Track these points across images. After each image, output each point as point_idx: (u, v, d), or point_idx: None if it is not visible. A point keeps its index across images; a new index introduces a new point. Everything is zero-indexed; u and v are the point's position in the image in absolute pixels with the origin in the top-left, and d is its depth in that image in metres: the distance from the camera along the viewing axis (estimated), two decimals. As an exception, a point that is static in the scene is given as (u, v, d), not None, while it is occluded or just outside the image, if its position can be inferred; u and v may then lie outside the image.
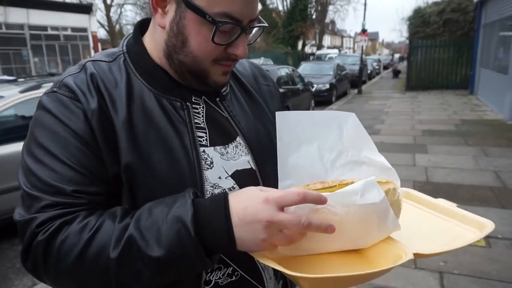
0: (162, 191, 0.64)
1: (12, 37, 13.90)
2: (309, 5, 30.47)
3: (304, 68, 13.71)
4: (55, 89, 0.66)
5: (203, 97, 0.74)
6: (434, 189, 4.31)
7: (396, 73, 23.17)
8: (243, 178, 0.73)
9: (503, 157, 5.38)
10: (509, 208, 3.72)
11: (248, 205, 0.57)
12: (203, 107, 0.73)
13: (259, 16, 0.69)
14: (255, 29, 0.70)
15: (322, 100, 11.88)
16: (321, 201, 0.57)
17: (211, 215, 0.57)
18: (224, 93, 0.78)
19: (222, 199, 0.59)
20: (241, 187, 0.72)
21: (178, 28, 0.65)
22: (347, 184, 0.65)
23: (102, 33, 27.28)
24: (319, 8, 32.92)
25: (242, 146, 0.75)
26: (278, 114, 0.74)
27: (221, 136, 0.74)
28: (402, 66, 25.13)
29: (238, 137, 0.76)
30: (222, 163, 0.71)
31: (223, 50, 0.66)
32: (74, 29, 16.42)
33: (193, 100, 0.72)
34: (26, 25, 14.11)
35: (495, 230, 3.38)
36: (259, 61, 17.13)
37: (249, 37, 0.70)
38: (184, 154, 0.67)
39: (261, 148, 0.77)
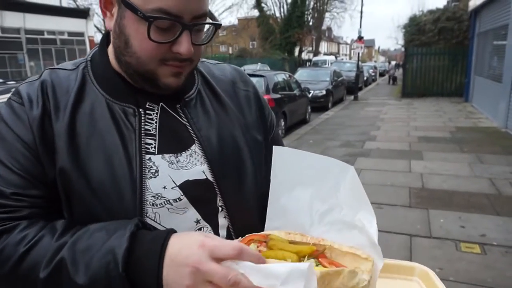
0: (95, 199, 0.64)
1: (8, 41, 13.85)
2: (306, 12, 30.65)
3: (301, 74, 13.78)
4: (10, 96, 0.69)
5: (160, 103, 0.72)
6: (430, 196, 4.32)
7: (393, 79, 23.37)
8: (194, 189, 0.69)
9: (498, 165, 5.42)
10: (504, 215, 3.73)
11: (184, 246, 0.54)
12: (157, 113, 0.71)
13: (211, 13, 0.66)
14: (206, 27, 0.67)
15: (319, 106, 11.94)
16: (259, 262, 0.53)
17: (145, 252, 0.55)
18: (187, 99, 0.74)
19: (163, 238, 0.56)
20: (191, 198, 0.69)
21: (120, 28, 0.64)
22: (324, 247, 0.62)
23: (99, 38, 27.22)
24: (316, 15, 33.19)
25: (198, 155, 0.71)
26: (276, 149, 0.71)
27: (174, 143, 0.70)
28: (398, 73, 25.31)
29: (194, 145, 0.72)
30: (169, 172, 0.68)
31: (169, 49, 0.64)
32: (71, 34, 16.40)
33: (147, 106, 0.70)
34: (22, 29, 14.08)
35: (491, 237, 3.36)
36: (256, 67, 17.21)
37: (201, 35, 0.68)
38: (126, 162, 0.65)
39: (222, 159, 0.73)
